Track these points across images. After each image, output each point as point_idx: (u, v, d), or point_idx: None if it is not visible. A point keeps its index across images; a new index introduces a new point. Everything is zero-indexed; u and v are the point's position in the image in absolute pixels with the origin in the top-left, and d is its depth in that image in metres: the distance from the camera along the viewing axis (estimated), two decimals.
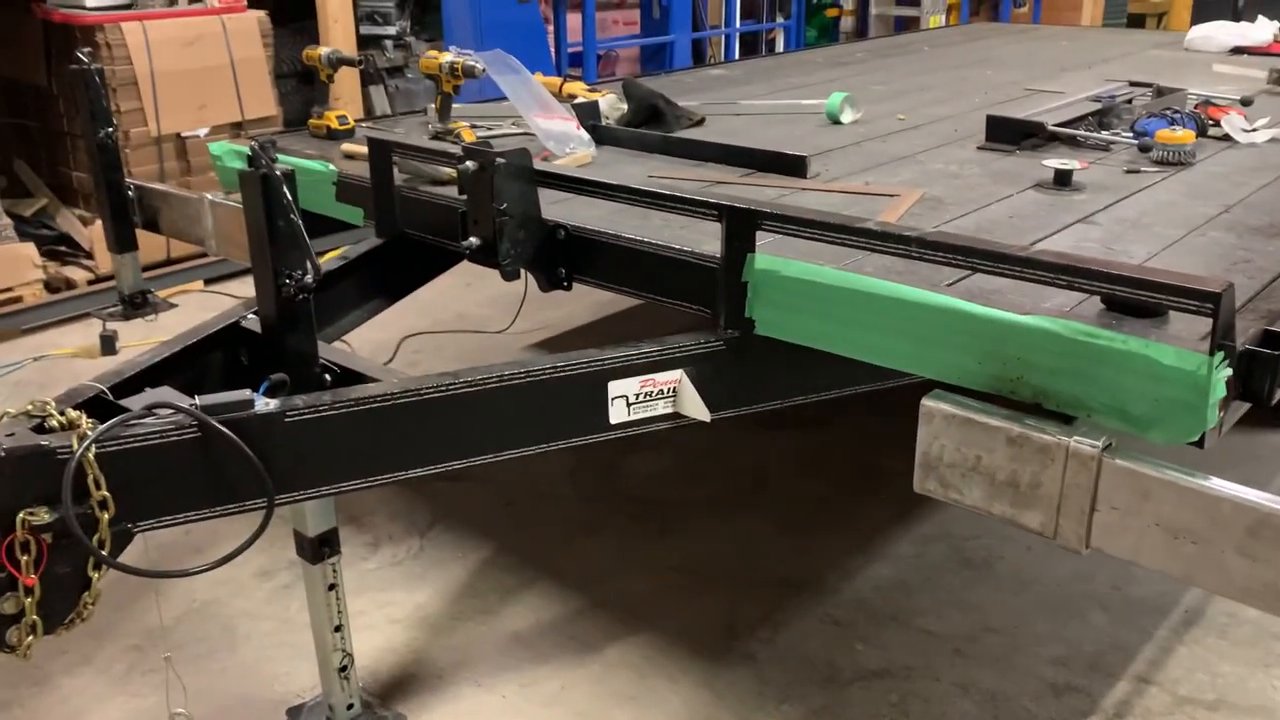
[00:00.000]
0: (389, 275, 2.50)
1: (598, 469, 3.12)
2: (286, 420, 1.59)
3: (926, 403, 1.59)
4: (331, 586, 2.08)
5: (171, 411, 1.54)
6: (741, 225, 1.83)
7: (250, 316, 2.01)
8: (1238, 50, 4.41)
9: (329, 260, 2.35)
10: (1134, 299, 1.52)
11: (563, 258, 2.13)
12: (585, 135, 2.72)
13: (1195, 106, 3.07)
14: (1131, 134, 2.82)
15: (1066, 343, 1.52)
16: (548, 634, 2.47)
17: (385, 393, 1.66)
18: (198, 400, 1.56)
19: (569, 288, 2.17)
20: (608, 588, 2.63)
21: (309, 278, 1.78)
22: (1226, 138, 2.88)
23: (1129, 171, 2.58)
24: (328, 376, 1.88)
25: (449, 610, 2.57)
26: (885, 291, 1.70)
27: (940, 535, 2.82)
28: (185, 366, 1.97)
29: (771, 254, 1.83)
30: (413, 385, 1.68)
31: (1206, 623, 2.44)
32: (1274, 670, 2.29)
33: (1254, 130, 2.90)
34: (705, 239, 1.95)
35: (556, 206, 2.16)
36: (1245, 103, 3.18)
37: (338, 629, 2.11)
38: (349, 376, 1.86)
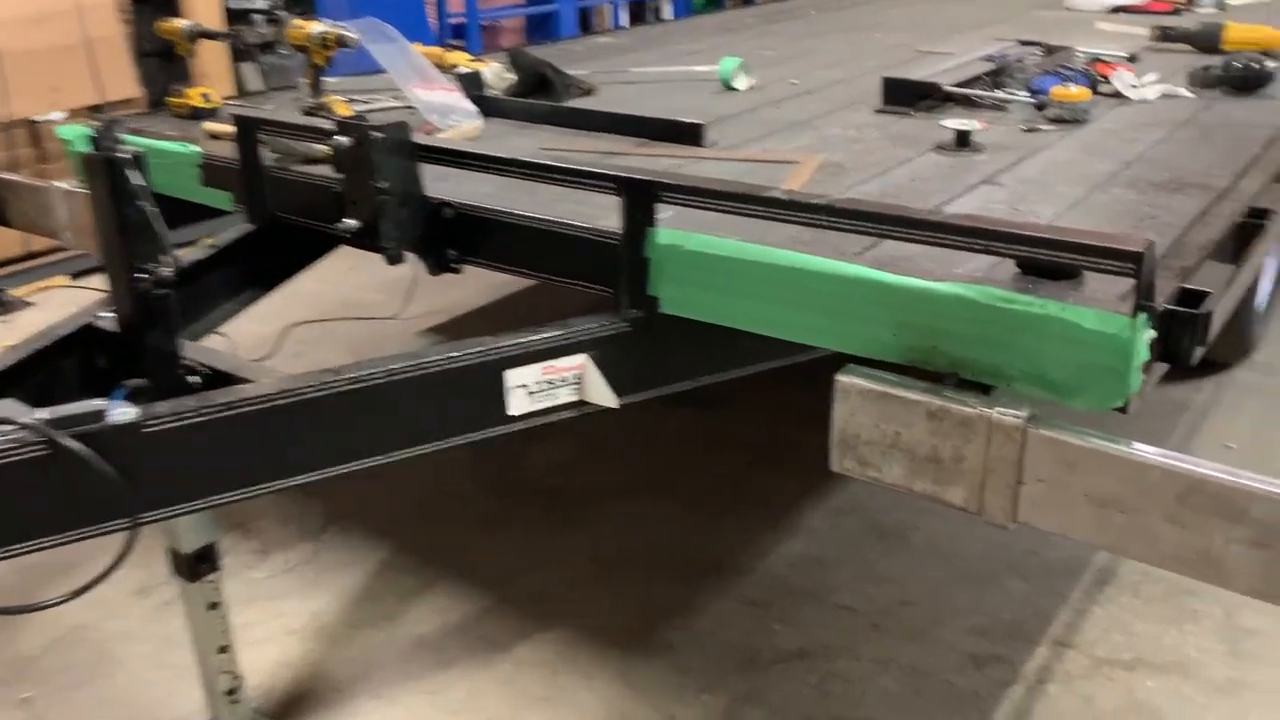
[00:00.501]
0: (263, 263, 2.32)
1: (500, 460, 3.00)
2: (146, 430, 1.43)
3: (841, 378, 1.51)
4: (214, 605, 1.92)
5: (14, 427, 1.37)
6: (640, 198, 1.72)
7: (106, 315, 1.82)
8: (1118, 9, 4.47)
9: (195, 250, 2.17)
10: (1049, 261, 1.46)
11: (451, 238, 2.00)
12: (470, 107, 2.57)
13: (1086, 64, 3.07)
14: (1026, 93, 2.80)
15: (982, 309, 1.46)
16: (454, 636, 2.35)
17: (259, 394, 1.51)
18: (44, 413, 1.39)
19: (459, 270, 2.03)
20: (516, 583, 2.52)
21: (167, 270, 1.61)
22: (1117, 94, 2.89)
23: (1027, 130, 2.55)
24: (196, 379, 1.71)
25: (347, 618, 2.42)
26: (793, 263, 1.62)
27: (854, 507, 2.78)
28: (34, 374, 1.78)
29: (673, 228, 1.73)
30: (289, 385, 1.53)
31: (1119, 582, 2.45)
32: (1187, 627, 2.31)
33: (1143, 86, 2.91)
34: (602, 214, 1.83)
35: (442, 184, 2.01)
36: (1132, 59, 3.20)
37: (223, 650, 1.95)
38: (220, 378, 1.69)
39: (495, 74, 2.89)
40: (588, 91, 2.96)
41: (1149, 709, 2.10)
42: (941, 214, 1.49)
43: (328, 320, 4.08)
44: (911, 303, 1.52)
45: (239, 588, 2.47)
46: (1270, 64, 2.92)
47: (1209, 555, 1.29)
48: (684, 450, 3.08)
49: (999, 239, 1.42)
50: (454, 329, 3.99)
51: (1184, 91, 2.91)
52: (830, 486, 2.86)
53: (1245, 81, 2.92)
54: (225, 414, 1.49)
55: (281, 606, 2.45)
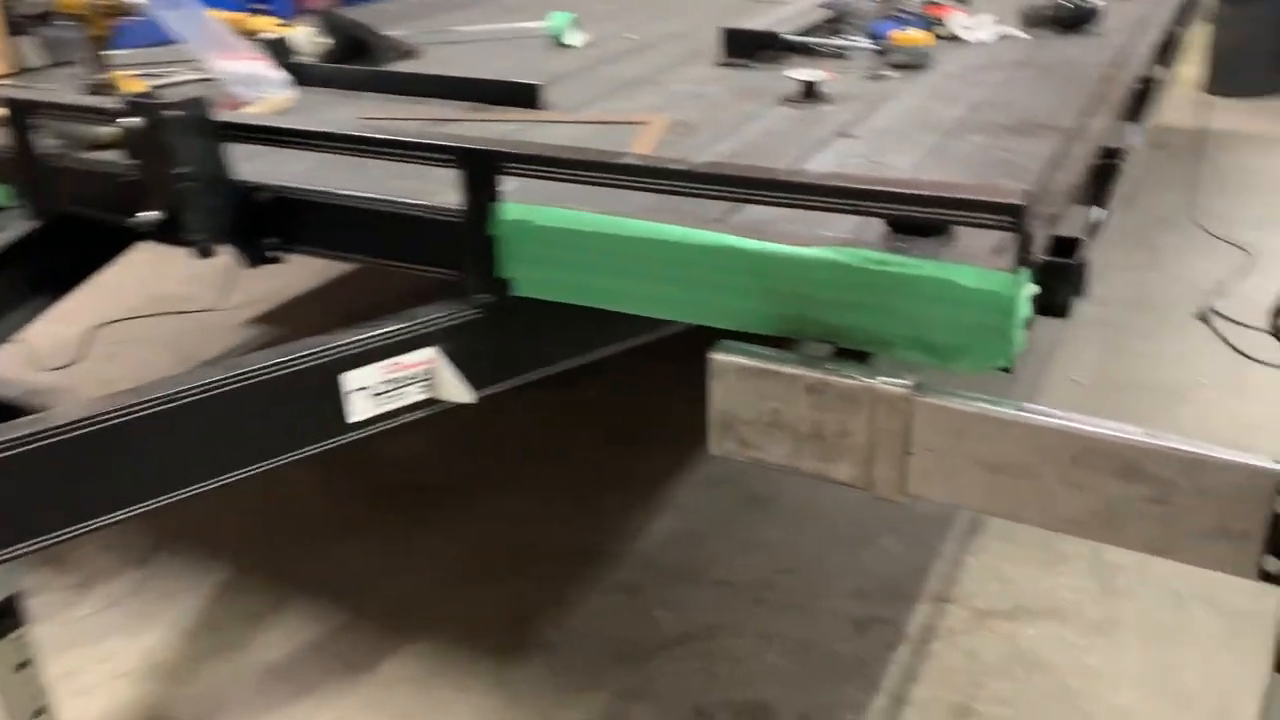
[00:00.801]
0: (52, 265, 2.06)
1: (345, 460, 2.77)
2: None
3: (715, 356, 1.42)
4: (23, 664, 1.68)
5: None
6: (482, 170, 1.57)
7: None
8: None
9: None
10: (921, 218, 1.40)
11: (268, 225, 1.79)
12: (280, 76, 2.34)
13: (920, 7, 3.05)
14: (866, 39, 2.76)
15: (856, 273, 1.39)
16: (309, 660, 2.17)
17: (47, 428, 1.30)
18: None
19: (281, 261, 1.83)
20: (374, 594, 2.35)
21: None
22: (953, 37, 2.88)
23: (871, 78, 2.51)
24: None
25: (186, 651, 2.20)
26: (652, 234, 1.51)
27: (722, 477, 2.71)
28: None
29: (519, 201, 1.58)
30: (86, 413, 1.33)
31: (990, 530, 2.47)
32: (1059, 569, 2.34)
33: (977, 28, 2.92)
34: (439, 189, 1.67)
35: (254, 164, 1.81)
36: (963, 0, 3.20)
37: (40, 713, 1.72)
38: (3, 410, 1.46)
39: (306, 38, 2.65)
40: (409, 54, 2.76)
41: (1032, 657, 2.12)
42: (810, 174, 1.40)
43: (139, 317, 3.74)
44: (781, 270, 1.43)
45: (57, 631, 2.21)
46: (1096, 1, 2.98)
47: (1106, 516, 1.26)
48: (541, 434, 2.95)
49: (872, 198, 1.34)
50: (283, 318, 3.72)
51: (1018, 32, 2.93)
52: (695, 458, 2.79)
53: (1073, 19, 2.96)
54: (10, 453, 1.28)
55: (108, 647, 2.21)
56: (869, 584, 2.33)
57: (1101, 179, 1.90)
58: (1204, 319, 3.64)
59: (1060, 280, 1.43)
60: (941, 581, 2.33)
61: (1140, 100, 2.47)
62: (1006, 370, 1.37)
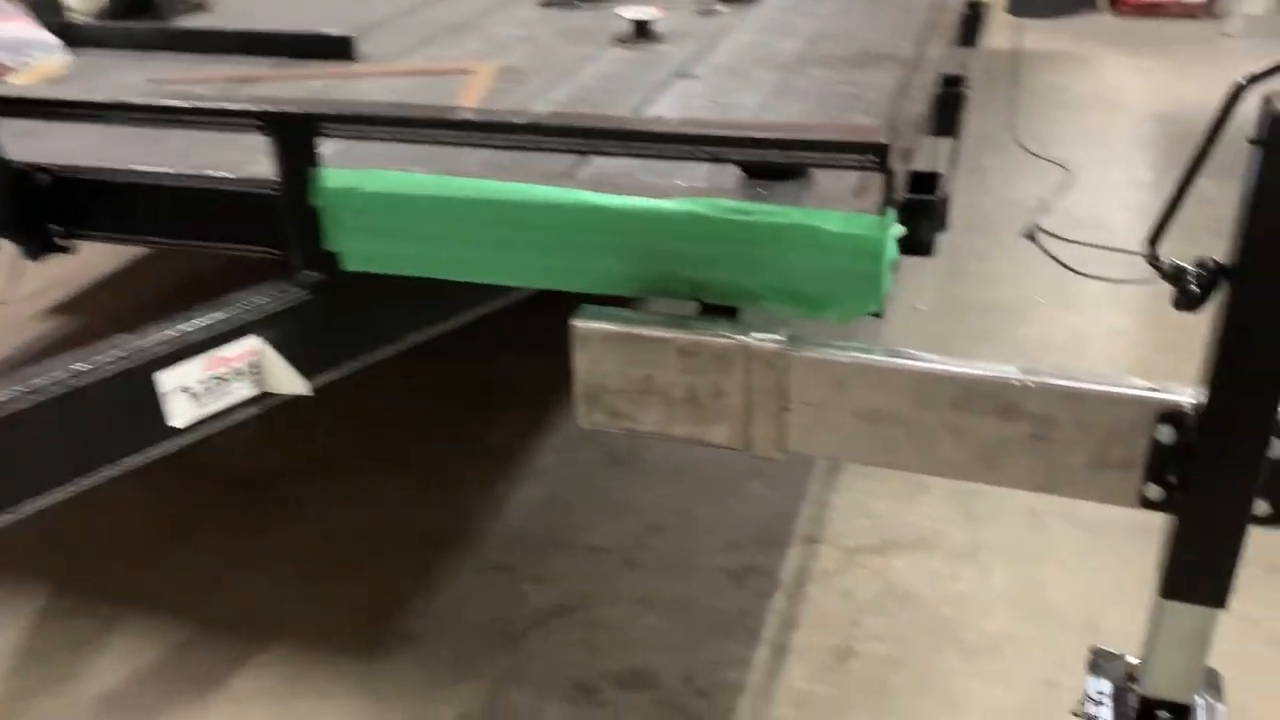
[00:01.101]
0: None
1: (171, 454, 2.58)
2: None
3: (576, 323, 1.33)
4: None
5: None
6: (295, 134, 1.42)
7: None
8: None
9: None
10: (780, 162, 1.34)
11: (52, 210, 1.59)
12: (49, 38, 2.08)
13: None
14: None
15: (718, 225, 1.32)
16: (151, 683, 1.99)
17: None
18: None
19: (70, 250, 1.63)
20: (217, 602, 2.18)
21: None
22: None
23: (702, 13, 2.44)
24: None
25: (9, 690, 1.99)
26: (494, 195, 1.40)
27: (582, 437, 2.62)
28: None
29: (342, 167, 1.44)
30: None
31: (853, 467, 2.48)
32: (920, 500, 2.38)
33: None
34: (249, 158, 1.51)
35: (28, 142, 1.59)
36: None
37: None
38: None
39: None
40: (199, 6, 2.52)
41: (903, 591, 2.14)
42: (663, 122, 1.31)
43: None
44: (638, 226, 1.35)
45: None
46: None
47: (989, 457, 1.24)
48: (391, 408, 2.79)
49: (731, 144, 1.27)
50: (84, 306, 3.41)
51: None
52: (553, 419, 2.70)
53: None
54: None
55: None
56: (740, 534, 2.31)
57: (947, 108, 1.89)
58: (1032, 237, 3.76)
59: (923, 217, 1.40)
60: (810, 523, 2.33)
61: (970, 25, 2.49)
62: (877, 315, 1.33)
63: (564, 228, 1.38)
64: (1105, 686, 1.37)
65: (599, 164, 1.50)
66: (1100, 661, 1.41)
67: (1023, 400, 1.20)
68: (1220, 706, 1.29)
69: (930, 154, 1.68)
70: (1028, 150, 4.33)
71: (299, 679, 1.97)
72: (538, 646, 2.03)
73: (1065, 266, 3.54)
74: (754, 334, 1.27)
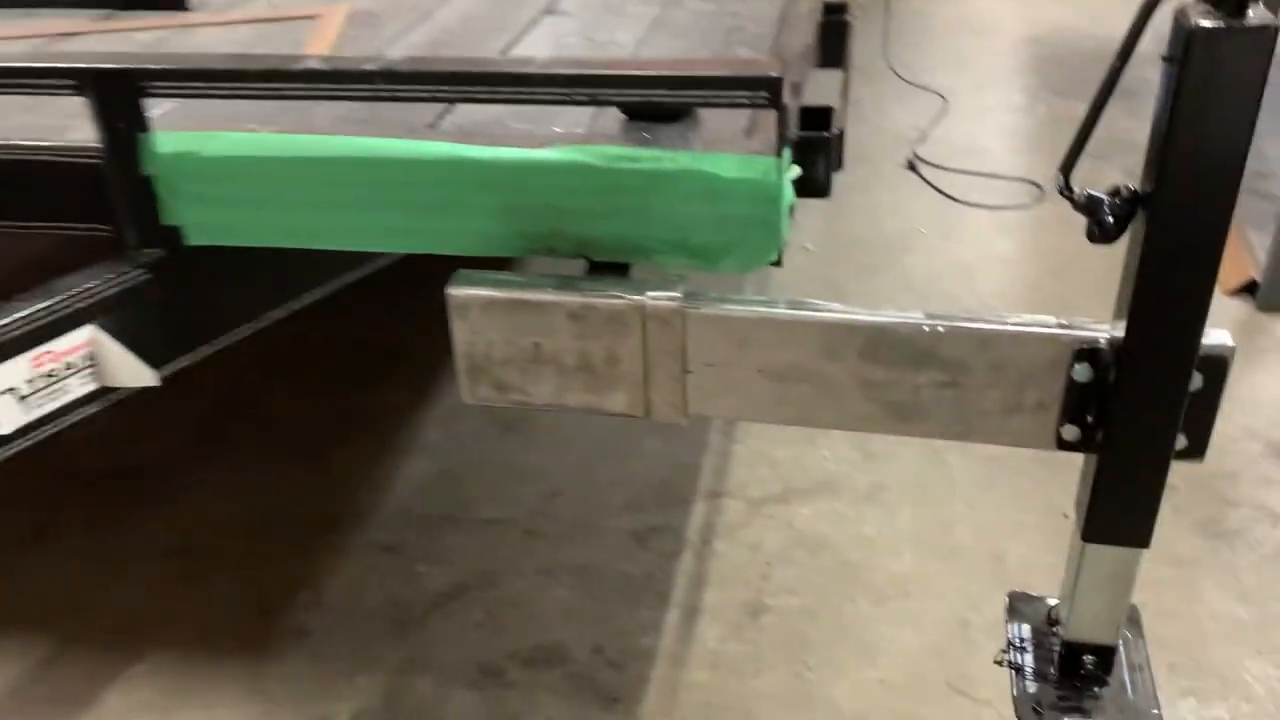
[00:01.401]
0: None
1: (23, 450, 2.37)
2: None
3: (453, 291, 1.22)
4: None
5: None
6: (118, 94, 1.26)
7: None
8: None
9: None
10: (665, 103, 1.24)
11: None
12: None
13: None
14: None
15: (602, 175, 1.22)
16: (12, 707, 1.83)
17: None
18: None
19: None
20: (84, 610, 2.01)
21: None
22: None
23: None
24: None
25: None
26: (351, 152, 1.27)
27: (468, 406, 2.51)
28: None
29: (177, 130, 1.29)
30: None
31: None
32: (821, 444, 2.34)
33: None
34: (70, 122, 1.34)
35: None
36: None
37: None
38: None
39: None
40: None
41: (810, 538, 2.11)
42: (534, 63, 1.19)
43: None
44: (513, 180, 1.24)
45: None
46: None
47: (901, 408, 1.19)
48: (252, 384, 2.62)
49: (612, 85, 1.16)
50: None
51: None
52: (437, 388, 2.57)
53: None
54: None
55: None
56: (641, 493, 2.24)
57: (831, 37, 1.81)
58: (912, 167, 3.76)
59: (817, 156, 1.32)
60: (713, 476, 2.27)
61: None
62: (777, 264, 1.26)
63: (430, 185, 1.26)
64: (1025, 631, 1.34)
65: (465, 113, 1.38)
66: (1018, 605, 1.38)
67: (933, 346, 1.14)
68: (1142, 642, 1.28)
69: (818, 87, 1.60)
70: (902, 78, 4.32)
71: (180, 690, 1.83)
72: (437, 630, 1.94)
73: (946, 196, 3.55)
74: (649, 293, 1.17)
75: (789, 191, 1.22)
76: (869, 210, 3.45)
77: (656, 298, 1.17)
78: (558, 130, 1.32)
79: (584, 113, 1.37)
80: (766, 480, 2.26)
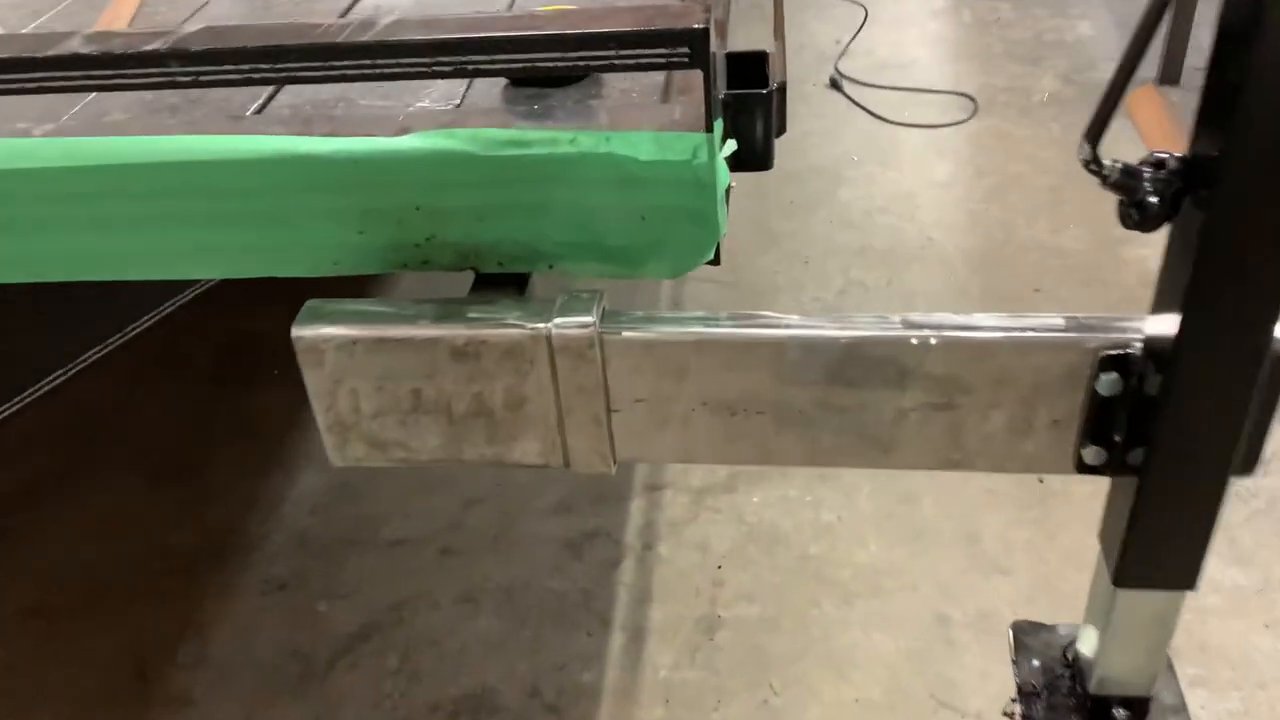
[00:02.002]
0: None
1: None
2: None
3: (302, 333, 0.95)
4: None
5: None
6: None
7: None
8: None
9: None
10: (557, 68, 0.97)
11: None
12: None
13: None
14: None
15: (485, 165, 0.96)
16: None
17: None
18: None
19: None
20: None
21: None
22: None
23: None
24: None
25: None
26: (153, 155, 0.99)
27: None
28: None
29: None
30: None
31: None
32: None
33: None
34: None
35: None
36: None
37: None
38: None
39: None
40: None
41: (764, 530, 1.90)
42: (389, 26, 0.91)
43: None
44: (372, 177, 0.97)
45: None
46: None
47: (882, 437, 0.96)
48: (108, 394, 2.30)
49: (485, 49, 0.89)
50: None
51: None
52: None
53: None
54: None
55: None
56: (571, 493, 2.00)
57: None
58: (835, 85, 3.51)
59: (754, 119, 1.06)
60: (649, 470, 2.04)
61: None
62: (714, 263, 1.01)
63: (257, 191, 0.99)
64: (1036, 672, 1.15)
65: (303, 89, 1.10)
66: (1024, 639, 1.18)
67: (921, 362, 0.91)
68: (1173, 678, 1.09)
69: (763, 31, 1.34)
70: None
71: None
72: (345, 684, 1.69)
73: (876, 116, 3.32)
74: (556, 319, 0.92)
75: (724, 172, 0.97)
76: (793, 138, 3.18)
77: (565, 325, 0.92)
78: (423, 107, 1.05)
79: (454, 87, 1.10)
80: (708, 466, 2.04)
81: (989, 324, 0.91)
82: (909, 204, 2.86)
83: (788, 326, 0.92)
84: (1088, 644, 1.07)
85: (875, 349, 0.91)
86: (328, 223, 1.00)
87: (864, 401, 0.94)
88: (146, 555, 1.94)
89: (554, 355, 0.93)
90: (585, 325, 0.92)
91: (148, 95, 1.09)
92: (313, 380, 0.98)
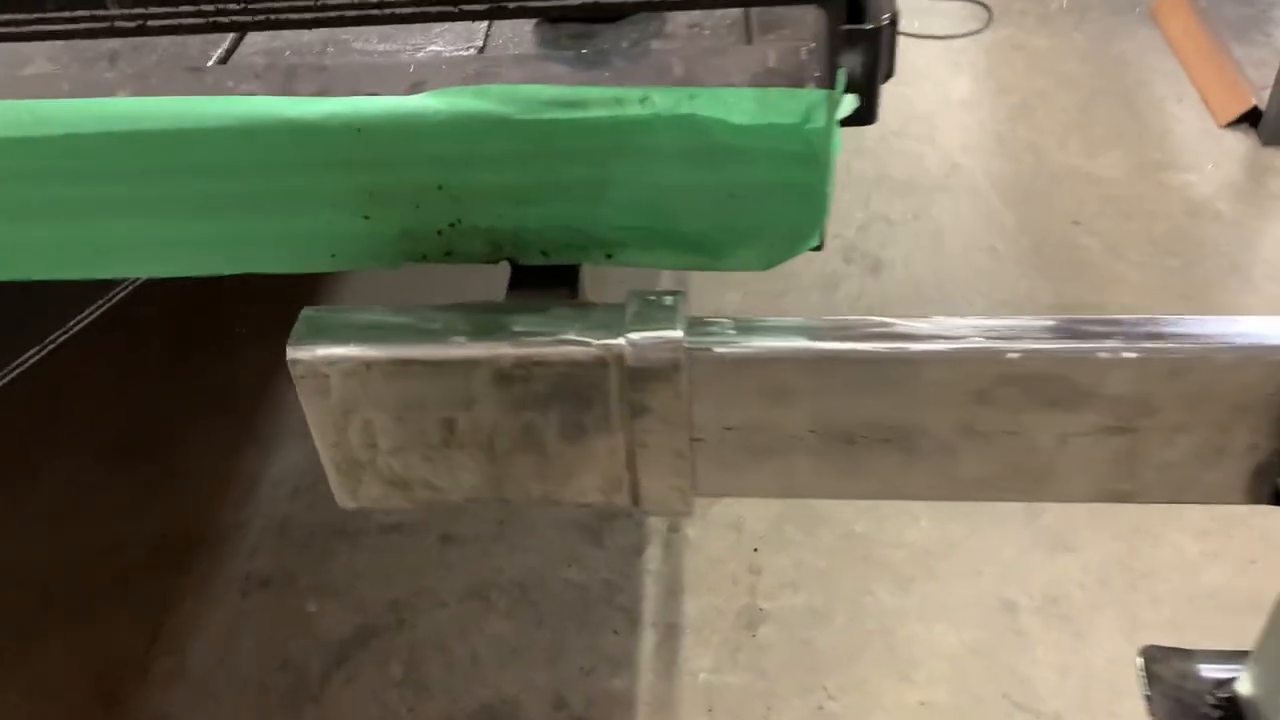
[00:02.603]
0: None
1: None
2: None
3: (299, 354, 0.75)
4: None
5: None
6: None
7: None
8: None
9: None
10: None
11: None
12: None
13: None
14: None
15: (530, 133, 0.75)
16: None
17: None
18: None
19: None
20: None
21: None
22: None
23: None
24: None
25: None
26: (100, 122, 0.76)
27: None
28: None
29: None
30: None
31: None
32: None
33: None
34: None
35: None
36: None
37: None
38: None
39: None
40: None
41: (802, 506, 1.73)
42: None
43: None
44: (388, 150, 0.76)
45: None
46: None
47: (1033, 466, 0.78)
48: (64, 372, 2.06)
49: None
50: None
51: None
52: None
53: None
54: None
55: None
56: None
57: None
58: None
59: (862, 61, 0.85)
60: None
61: None
62: (818, 249, 0.81)
63: (233, 169, 0.77)
64: (1175, 714, 0.99)
65: (278, 35, 0.87)
66: (1158, 669, 1.02)
67: (1100, 380, 0.73)
68: None
69: None
70: None
71: None
72: (345, 698, 1.52)
73: None
74: (630, 333, 0.72)
75: (838, 137, 0.76)
76: None
77: (645, 341, 0.72)
78: (436, 52, 0.83)
79: (467, 32, 0.88)
80: None
81: (1188, 331, 0.72)
82: (928, 126, 2.65)
83: (929, 339, 0.73)
84: (1257, 686, 0.91)
85: (1043, 367, 0.72)
86: (323, 207, 0.79)
87: (1019, 426, 0.76)
88: (107, 551, 1.74)
89: (628, 378, 0.74)
90: (670, 341, 0.72)
91: (80, 40, 0.86)
92: (315, 411, 0.77)
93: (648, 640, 1.56)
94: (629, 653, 1.55)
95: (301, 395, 0.77)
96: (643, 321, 0.74)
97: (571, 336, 0.74)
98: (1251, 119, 2.58)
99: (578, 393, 0.76)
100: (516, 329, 0.75)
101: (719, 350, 0.74)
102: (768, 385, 0.75)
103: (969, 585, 1.60)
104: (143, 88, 0.78)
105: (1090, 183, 2.42)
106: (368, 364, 0.75)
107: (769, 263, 0.80)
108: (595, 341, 0.73)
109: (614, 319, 0.74)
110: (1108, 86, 2.75)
